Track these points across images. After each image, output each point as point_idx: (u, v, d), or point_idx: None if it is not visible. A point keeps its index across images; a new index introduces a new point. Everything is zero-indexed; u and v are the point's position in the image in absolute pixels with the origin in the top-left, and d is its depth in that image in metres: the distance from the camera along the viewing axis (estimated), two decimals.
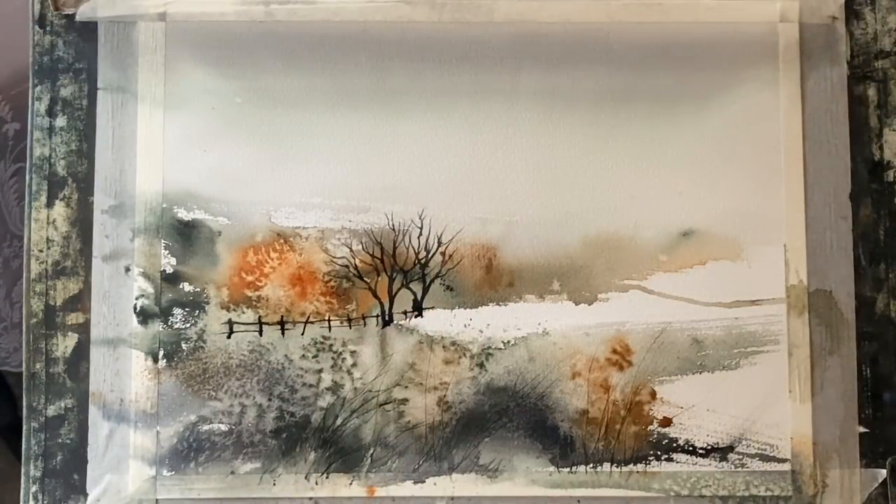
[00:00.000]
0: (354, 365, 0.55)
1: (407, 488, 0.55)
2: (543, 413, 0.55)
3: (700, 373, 0.55)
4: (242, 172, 0.56)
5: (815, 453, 0.54)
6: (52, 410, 0.55)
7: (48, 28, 0.57)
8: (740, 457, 0.55)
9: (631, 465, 0.55)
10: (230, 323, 0.55)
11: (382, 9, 0.56)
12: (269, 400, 0.55)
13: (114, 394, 0.55)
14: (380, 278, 0.56)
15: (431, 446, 0.55)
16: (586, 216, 0.56)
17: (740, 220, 0.56)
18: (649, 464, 0.55)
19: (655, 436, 0.55)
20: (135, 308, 0.55)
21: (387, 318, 0.55)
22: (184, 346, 0.55)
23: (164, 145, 0.56)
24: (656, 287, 0.55)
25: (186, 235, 0.56)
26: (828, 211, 0.56)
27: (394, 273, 0.56)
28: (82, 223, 0.56)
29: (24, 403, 0.55)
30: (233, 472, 0.55)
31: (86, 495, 0.55)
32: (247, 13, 0.56)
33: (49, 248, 0.56)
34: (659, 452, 0.55)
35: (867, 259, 0.56)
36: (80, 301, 0.56)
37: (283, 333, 0.55)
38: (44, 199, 0.56)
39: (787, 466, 0.54)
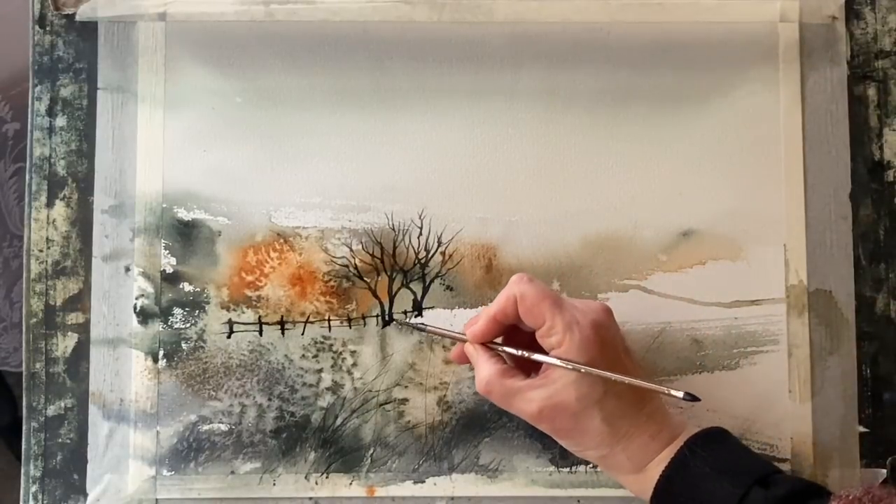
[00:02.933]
0: (354, 365, 0.55)
1: (407, 488, 0.55)
2: None
3: (700, 373, 0.55)
4: (242, 172, 0.56)
5: (815, 453, 0.54)
6: (51, 410, 0.55)
7: (48, 28, 0.57)
8: None
9: None
10: (230, 323, 0.55)
11: (382, 9, 0.56)
12: (269, 400, 0.55)
13: (114, 394, 0.55)
14: (380, 278, 0.56)
15: (431, 446, 0.55)
16: (586, 216, 0.56)
17: (740, 220, 0.56)
18: None
19: None
20: (135, 308, 0.55)
21: (387, 317, 0.55)
22: (184, 346, 0.55)
23: (164, 145, 0.56)
24: (656, 287, 0.55)
25: (186, 235, 0.56)
26: (828, 211, 0.56)
27: (394, 273, 0.56)
28: (82, 223, 0.56)
29: (24, 403, 0.55)
30: (233, 472, 0.55)
31: (86, 495, 0.55)
32: (247, 13, 0.56)
33: (49, 248, 0.56)
34: None
35: (867, 259, 0.56)
36: (80, 301, 0.56)
37: (283, 333, 0.55)
38: (44, 199, 0.56)
39: (787, 466, 0.54)
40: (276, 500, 0.55)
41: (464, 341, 0.50)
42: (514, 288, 0.47)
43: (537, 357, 0.47)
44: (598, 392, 0.45)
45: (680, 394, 0.43)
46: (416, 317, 0.55)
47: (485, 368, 0.48)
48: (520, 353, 0.48)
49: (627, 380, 0.45)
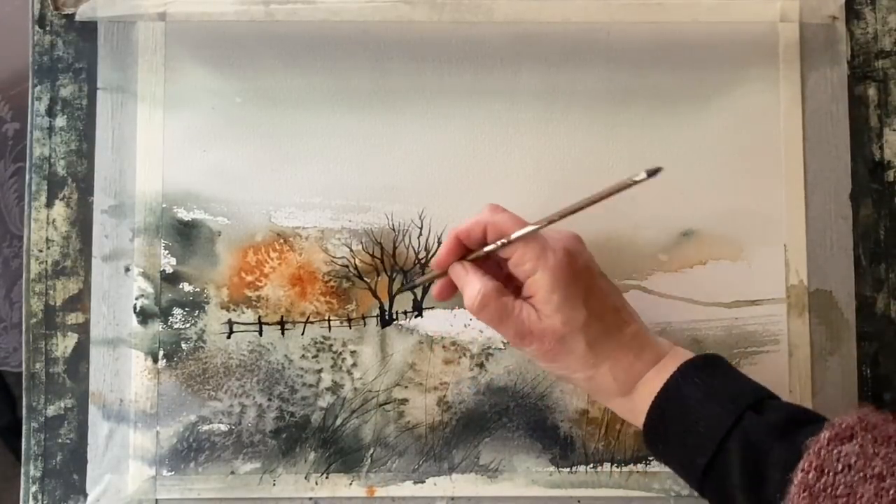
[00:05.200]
0: (354, 365, 0.55)
1: (407, 488, 0.55)
2: (543, 413, 0.55)
3: None
4: (242, 172, 0.56)
5: None
6: (51, 410, 0.55)
7: (48, 28, 0.57)
8: None
9: (631, 465, 0.55)
10: (230, 323, 0.55)
11: (382, 9, 0.56)
12: (269, 400, 0.55)
13: (114, 394, 0.55)
14: (380, 278, 0.56)
15: (431, 446, 0.55)
16: (586, 216, 0.55)
17: (740, 220, 0.55)
18: (649, 464, 0.55)
19: None
20: (135, 308, 0.55)
21: (387, 317, 0.55)
22: (184, 346, 0.55)
23: (164, 145, 0.56)
24: (656, 287, 0.55)
25: (186, 235, 0.56)
26: (828, 211, 0.56)
27: (394, 273, 0.56)
28: (82, 223, 0.56)
29: (24, 403, 0.55)
30: (233, 472, 0.55)
31: (85, 495, 0.55)
32: (247, 13, 0.56)
33: (49, 248, 0.56)
34: None
35: (867, 259, 0.56)
36: (79, 301, 0.56)
37: (282, 333, 0.55)
38: (43, 199, 0.56)
39: None
40: (276, 500, 0.55)
41: (438, 276, 0.50)
42: (485, 216, 0.47)
43: (515, 236, 0.46)
44: (581, 316, 0.46)
45: (642, 174, 0.42)
46: (415, 317, 0.55)
47: (477, 284, 0.47)
48: (498, 243, 0.47)
49: (583, 202, 0.45)
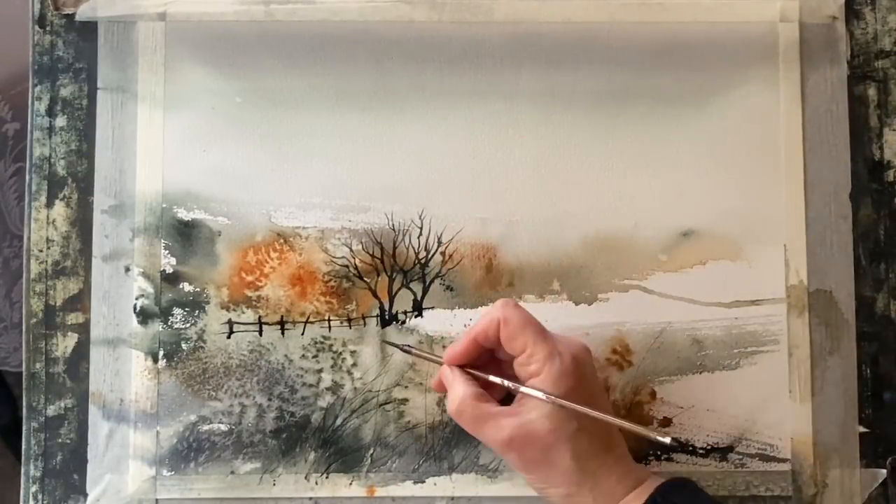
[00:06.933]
0: (354, 365, 0.55)
1: (407, 488, 0.55)
2: None
3: (700, 373, 0.55)
4: (242, 172, 0.56)
5: (815, 453, 0.54)
6: (51, 410, 0.55)
7: (48, 28, 0.57)
8: (740, 457, 0.55)
9: None
10: (230, 323, 0.55)
11: (382, 9, 0.56)
12: (269, 400, 0.55)
13: (114, 394, 0.55)
14: (380, 278, 0.56)
15: (431, 446, 0.55)
16: (586, 216, 0.56)
17: (740, 220, 0.56)
18: (649, 464, 0.55)
19: None
20: (135, 308, 0.55)
21: (387, 317, 0.55)
22: (184, 346, 0.55)
23: (164, 145, 0.56)
24: (656, 287, 0.55)
25: (186, 235, 0.56)
26: (828, 211, 0.56)
27: (394, 273, 0.56)
28: (82, 223, 0.56)
29: (24, 403, 0.55)
30: (233, 472, 0.55)
31: (86, 495, 0.55)
32: (247, 13, 0.56)
33: (49, 248, 0.56)
34: (659, 452, 0.55)
35: (867, 259, 0.56)
36: (79, 301, 0.56)
37: (283, 333, 0.55)
38: (43, 198, 0.56)
39: (787, 466, 0.54)
40: (276, 500, 0.55)
41: (439, 363, 0.50)
42: (499, 311, 0.47)
43: (524, 389, 0.46)
44: (571, 427, 0.45)
45: (667, 439, 0.43)
46: (415, 317, 0.55)
47: (458, 389, 0.47)
48: (503, 382, 0.47)
49: (618, 422, 0.45)
